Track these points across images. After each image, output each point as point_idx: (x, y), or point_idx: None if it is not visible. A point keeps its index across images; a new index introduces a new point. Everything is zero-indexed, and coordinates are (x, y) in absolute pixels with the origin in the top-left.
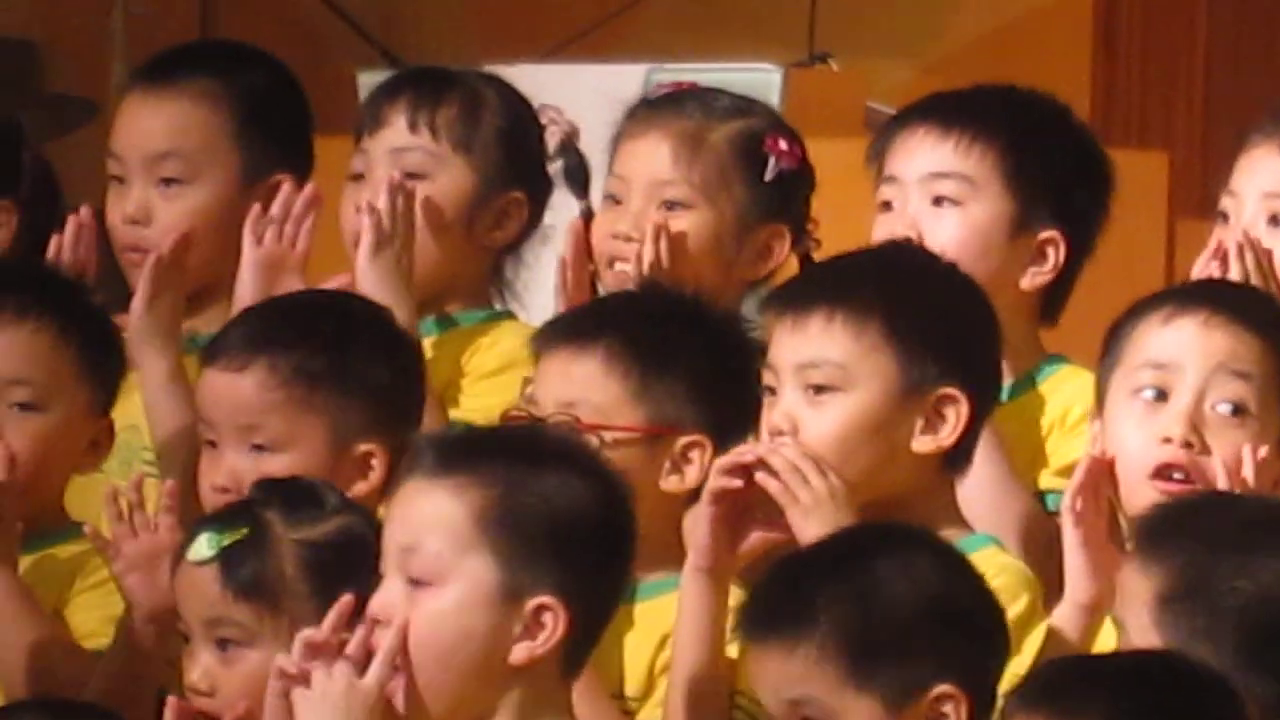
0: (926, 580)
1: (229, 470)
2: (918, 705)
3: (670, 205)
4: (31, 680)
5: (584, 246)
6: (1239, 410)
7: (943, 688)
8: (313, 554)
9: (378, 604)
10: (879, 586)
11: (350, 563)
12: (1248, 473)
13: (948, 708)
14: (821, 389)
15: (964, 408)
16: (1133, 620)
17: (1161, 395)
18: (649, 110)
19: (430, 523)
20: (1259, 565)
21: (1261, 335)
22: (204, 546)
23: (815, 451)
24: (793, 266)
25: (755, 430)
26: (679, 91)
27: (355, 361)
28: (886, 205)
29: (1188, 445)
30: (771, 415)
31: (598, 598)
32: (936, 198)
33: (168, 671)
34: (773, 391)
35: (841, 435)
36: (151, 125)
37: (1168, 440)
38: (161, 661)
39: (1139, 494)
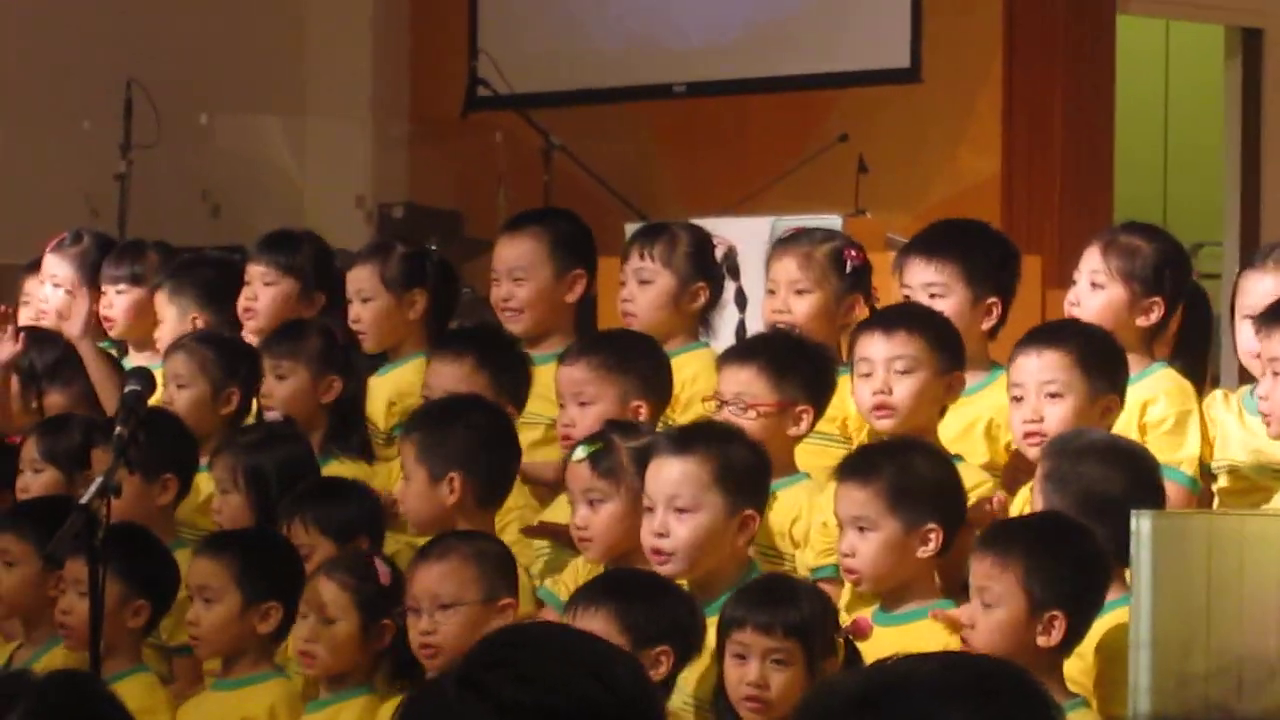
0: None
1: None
2: None
3: (799, 291)
4: None
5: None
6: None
7: None
8: (637, 454)
9: None
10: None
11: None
12: None
13: None
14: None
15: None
16: None
17: None
18: (783, 242)
19: None
20: None
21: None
22: (580, 452)
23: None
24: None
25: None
26: (798, 231)
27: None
28: (906, 296)
29: None
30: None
31: None
32: (931, 295)
33: None
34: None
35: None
36: (509, 252)
37: None
38: None
39: None
